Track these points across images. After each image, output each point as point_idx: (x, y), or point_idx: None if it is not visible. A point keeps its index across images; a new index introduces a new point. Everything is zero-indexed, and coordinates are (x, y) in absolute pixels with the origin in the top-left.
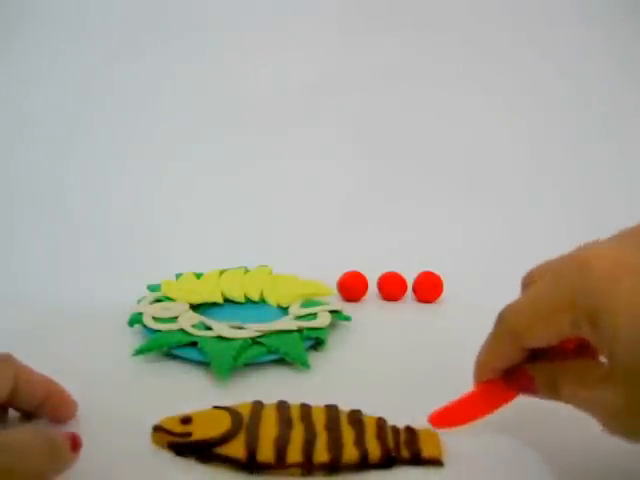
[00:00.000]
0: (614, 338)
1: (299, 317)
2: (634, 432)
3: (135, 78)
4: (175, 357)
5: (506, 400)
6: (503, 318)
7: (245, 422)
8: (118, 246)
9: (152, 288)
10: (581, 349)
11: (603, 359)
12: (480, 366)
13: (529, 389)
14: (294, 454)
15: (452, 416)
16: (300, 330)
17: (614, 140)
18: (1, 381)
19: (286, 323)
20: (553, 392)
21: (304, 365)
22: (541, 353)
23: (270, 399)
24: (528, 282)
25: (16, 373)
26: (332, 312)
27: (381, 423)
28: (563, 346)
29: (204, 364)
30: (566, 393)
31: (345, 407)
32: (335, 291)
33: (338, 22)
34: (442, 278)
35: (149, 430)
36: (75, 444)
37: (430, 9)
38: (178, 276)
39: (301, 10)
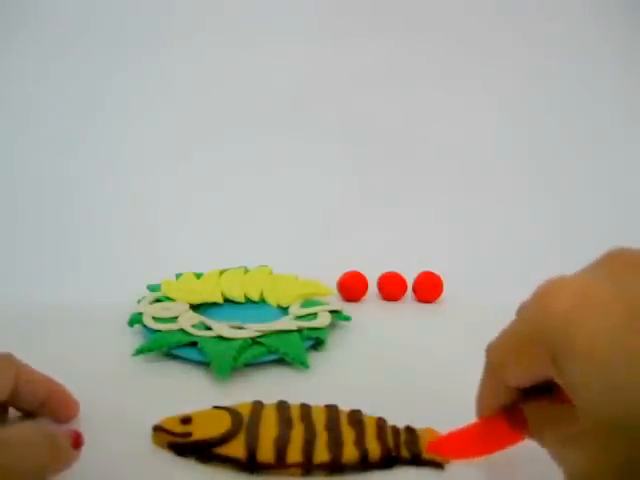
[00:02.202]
0: (573, 382)
1: (299, 317)
2: None
3: (134, 79)
4: (175, 357)
5: (509, 442)
6: (486, 354)
7: (245, 422)
8: (118, 246)
9: (152, 288)
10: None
11: None
12: (478, 402)
13: (524, 431)
14: (294, 454)
15: (454, 448)
16: (300, 330)
17: (614, 140)
18: (2, 381)
19: (286, 323)
20: (536, 433)
21: (304, 365)
22: (535, 393)
23: (270, 399)
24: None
25: (17, 372)
26: (332, 312)
27: (381, 423)
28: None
29: (204, 364)
30: (546, 438)
31: (345, 407)
32: (335, 291)
33: (325, 24)
34: (442, 278)
35: (149, 430)
36: (77, 442)
37: (417, 9)
38: (178, 276)
39: (289, 12)
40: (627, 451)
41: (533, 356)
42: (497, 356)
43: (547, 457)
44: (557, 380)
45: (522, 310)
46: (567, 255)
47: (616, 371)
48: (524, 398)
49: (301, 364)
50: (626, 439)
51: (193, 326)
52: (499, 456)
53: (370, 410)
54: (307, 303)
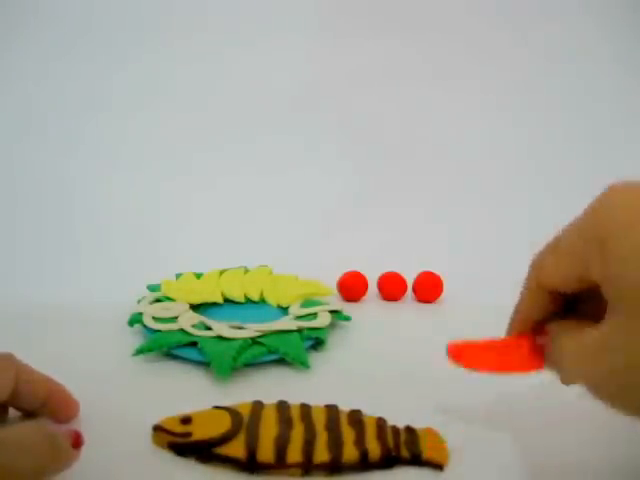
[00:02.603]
0: (615, 278)
1: (299, 317)
2: (627, 396)
3: (134, 79)
4: (175, 357)
5: (527, 367)
6: (530, 266)
7: (245, 422)
8: (118, 246)
9: (152, 288)
10: None
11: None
12: (512, 319)
13: (544, 350)
14: (294, 454)
15: (472, 356)
16: (300, 330)
17: (614, 140)
18: (2, 381)
19: (286, 323)
20: (559, 352)
21: (304, 365)
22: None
23: (270, 399)
24: None
25: (17, 373)
26: (332, 312)
27: (381, 423)
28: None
29: (204, 364)
30: (566, 353)
31: (345, 407)
32: (335, 291)
33: (325, 24)
34: (442, 278)
35: (149, 430)
36: (77, 442)
37: (417, 9)
38: (178, 276)
39: (296, 12)
40: None
41: (577, 248)
42: (539, 258)
43: (548, 458)
44: (597, 271)
45: (572, 221)
46: None
47: None
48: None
49: (301, 364)
50: None
51: (193, 326)
52: (499, 456)
53: (370, 410)
54: (307, 303)
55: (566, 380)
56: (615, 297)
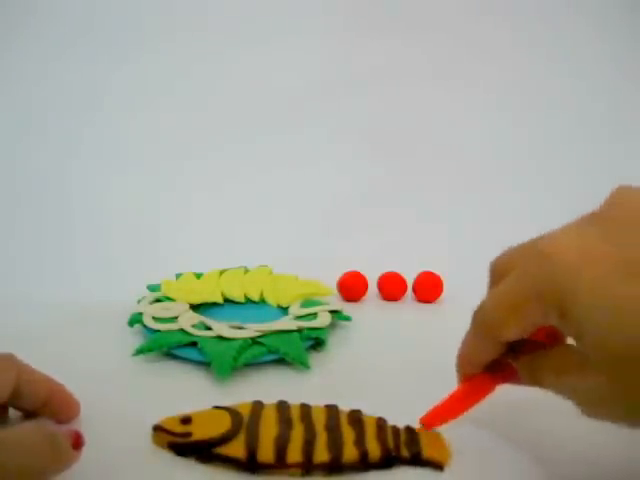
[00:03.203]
0: (582, 330)
1: (299, 317)
2: (616, 416)
3: (135, 79)
4: (175, 357)
5: (490, 390)
6: (478, 315)
7: (245, 422)
8: (118, 246)
9: (152, 288)
10: (552, 336)
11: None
12: (461, 362)
13: (513, 379)
14: (294, 454)
15: (441, 414)
16: (300, 330)
17: (614, 140)
18: (3, 381)
19: (286, 323)
20: (535, 381)
21: (304, 365)
22: (518, 345)
23: (270, 399)
24: (495, 278)
25: (18, 373)
26: (332, 312)
27: (381, 423)
28: (536, 337)
29: (204, 364)
30: (547, 382)
31: (345, 407)
32: (335, 291)
33: (335, 24)
34: (442, 278)
35: (149, 430)
36: (77, 442)
37: (427, 9)
38: (178, 276)
39: (299, 11)
40: (632, 378)
41: (535, 310)
42: (494, 316)
43: (548, 458)
44: (560, 328)
45: (520, 272)
46: None
47: (618, 309)
48: (508, 353)
49: (301, 364)
50: (630, 367)
51: (193, 326)
52: (499, 456)
53: (370, 410)
54: (307, 303)
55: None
56: (593, 359)
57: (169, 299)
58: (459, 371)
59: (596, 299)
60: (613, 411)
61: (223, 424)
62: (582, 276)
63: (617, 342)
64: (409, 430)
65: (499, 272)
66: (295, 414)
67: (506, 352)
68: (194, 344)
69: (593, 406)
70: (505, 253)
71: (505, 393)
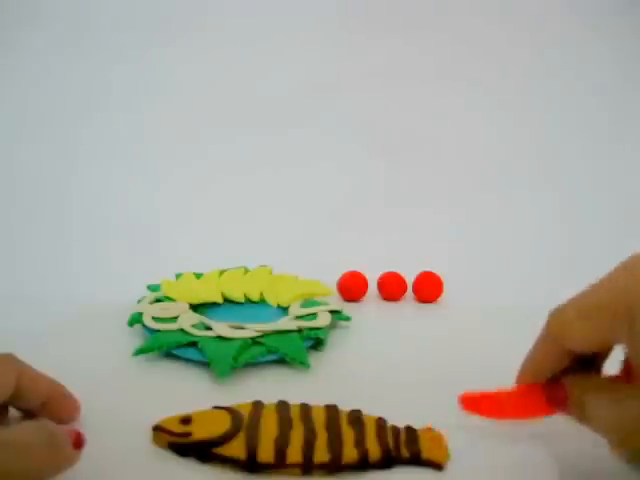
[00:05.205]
0: None
1: (299, 317)
2: None
3: (133, 79)
4: (175, 357)
5: (541, 412)
6: (548, 319)
7: (245, 422)
8: (118, 246)
9: (152, 288)
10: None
11: None
12: (523, 368)
13: (562, 404)
14: (294, 454)
15: (483, 405)
16: (300, 330)
17: (615, 140)
18: (4, 381)
19: (286, 323)
20: (580, 409)
21: (304, 365)
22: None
23: (270, 399)
24: None
25: (19, 373)
26: (332, 312)
27: (381, 423)
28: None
29: (204, 364)
30: (591, 409)
31: (345, 407)
32: (335, 291)
33: (337, 23)
34: (442, 278)
35: (149, 430)
36: (78, 442)
37: (429, 9)
38: (178, 276)
39: (300, 11)
40: None
41: (604, 318)
42: (562, 319)
43: (547, 460)
44: (625, 340)
45: (602, 279)
46: (567, 255)
47: None
48: (565, 373)
49: (301, 364)
50: None
51: (193, 326)
52: (499, 456)
53: (370, 410)
54: (307, 303)
55: (612, 446)
56: None
57: (169, 299)
58: (518, 376)
59: None
60: None
61: (223, 424)
62: None
63: None
64: (409, 430)
65: None
66: (295, 414)
67: (569, 369)
68: (194, 344)
69: (632, 433)
70: None
71: None
